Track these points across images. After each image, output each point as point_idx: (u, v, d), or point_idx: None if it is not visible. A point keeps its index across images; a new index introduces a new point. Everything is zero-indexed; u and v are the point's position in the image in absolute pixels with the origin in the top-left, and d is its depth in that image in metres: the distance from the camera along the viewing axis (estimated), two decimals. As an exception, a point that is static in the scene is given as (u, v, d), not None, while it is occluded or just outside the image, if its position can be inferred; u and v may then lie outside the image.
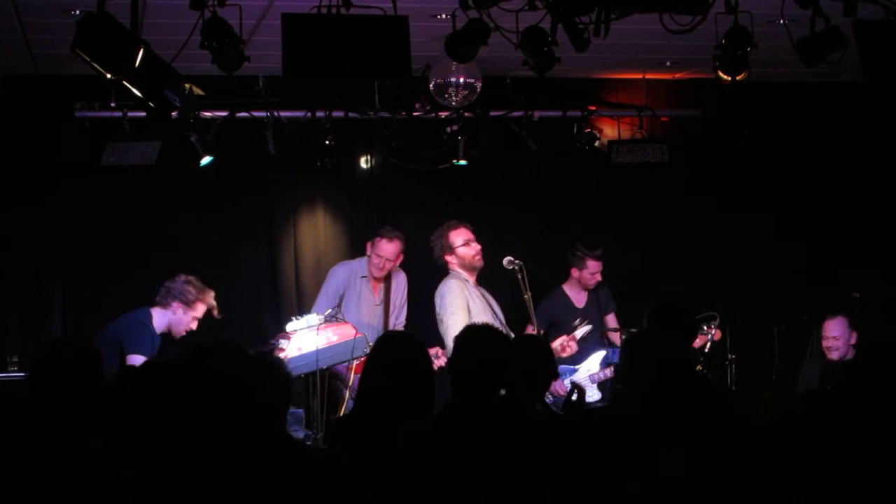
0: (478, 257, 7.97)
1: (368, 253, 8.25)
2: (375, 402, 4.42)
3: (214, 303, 7.66)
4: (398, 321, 8.44)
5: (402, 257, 8.25)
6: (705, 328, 8.01)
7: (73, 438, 3.91)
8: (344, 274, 8.38)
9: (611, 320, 8.90)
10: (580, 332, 8.12)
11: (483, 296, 8.00)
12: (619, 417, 4.85)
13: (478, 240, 8.05)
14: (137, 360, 7.12)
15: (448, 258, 7.99)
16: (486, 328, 4.64)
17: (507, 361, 4.47)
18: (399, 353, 4.47)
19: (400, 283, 8.47)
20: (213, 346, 3.72)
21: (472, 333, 4.59)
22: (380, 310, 8.33)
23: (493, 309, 7.97)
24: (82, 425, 4.00)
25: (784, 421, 4.78)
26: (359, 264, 8.42)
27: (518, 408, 4.59)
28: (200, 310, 7.59)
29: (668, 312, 5.54)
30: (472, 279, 7.95)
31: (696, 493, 4.35)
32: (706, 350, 7.99)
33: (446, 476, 4.04)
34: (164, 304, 7.53)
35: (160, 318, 7.53)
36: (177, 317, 7.54)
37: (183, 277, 7.59)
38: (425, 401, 4.36)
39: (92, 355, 4.48)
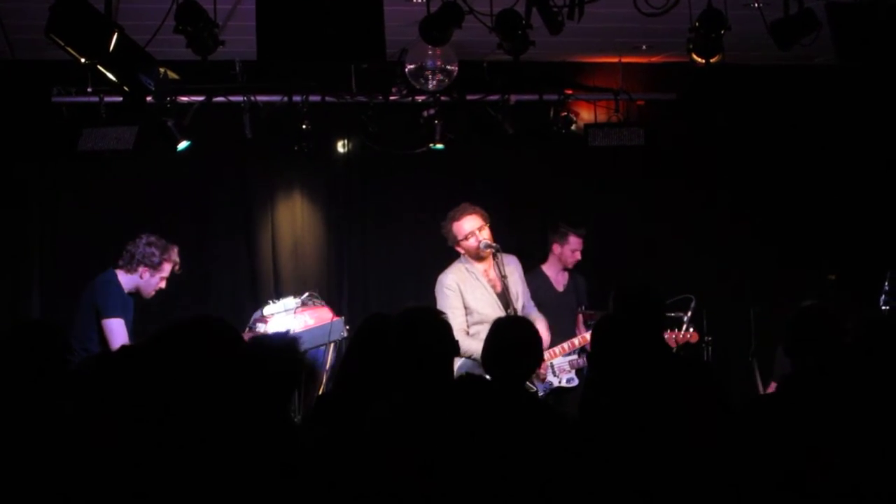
0: (482, 247, 7.61)
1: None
2: (353, 382, 4.42)
3: (178, 259, 7.59)
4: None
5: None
6: (683, 323, 8.08)
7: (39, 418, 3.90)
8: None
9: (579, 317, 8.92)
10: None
11: (499, 278, 7.59)
12: (592, 401, 4.88)
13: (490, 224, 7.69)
14: (113, 323, 7.15)
15: (457, 247, 7.83)
16: None
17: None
18: (379, 335, 4.45)
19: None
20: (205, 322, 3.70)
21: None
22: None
23: (507, 295, 7.69)
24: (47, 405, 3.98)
25: (762, 403, 4.82)
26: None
27: (479, 388, 4.52)
28: (167, 269, 7.53)
29: (631, 293, 5.53)
30: (480, 265, 7.81)
31: (673, 477, 4.37)
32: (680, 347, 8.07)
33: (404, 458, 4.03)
34: (130, 269, 7.44)
35: (127, 280, 7.45)
36: (144, 280, 7.47)
37: (144, 239, 7.50)
38: (399, 383, 4.34)
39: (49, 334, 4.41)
